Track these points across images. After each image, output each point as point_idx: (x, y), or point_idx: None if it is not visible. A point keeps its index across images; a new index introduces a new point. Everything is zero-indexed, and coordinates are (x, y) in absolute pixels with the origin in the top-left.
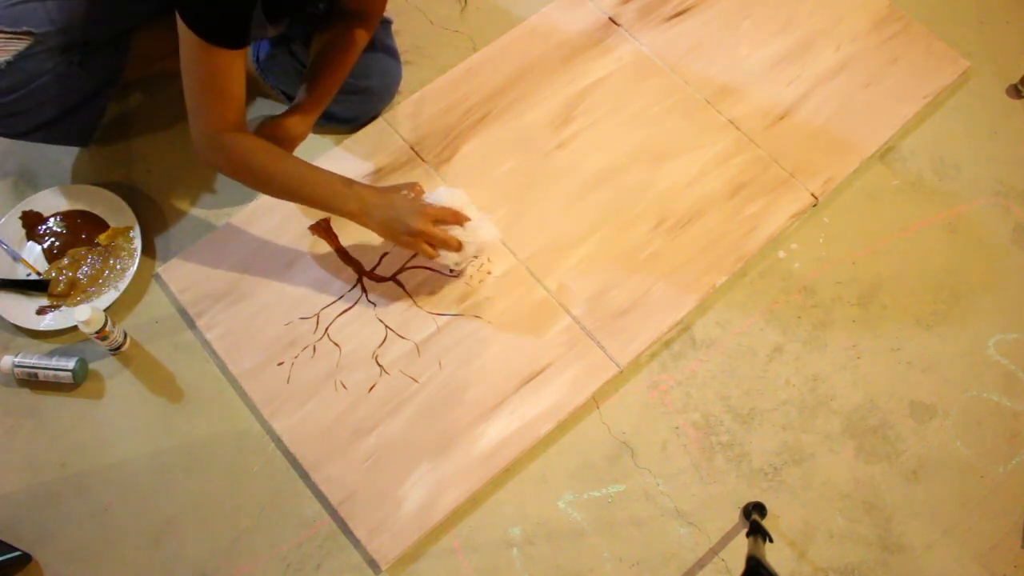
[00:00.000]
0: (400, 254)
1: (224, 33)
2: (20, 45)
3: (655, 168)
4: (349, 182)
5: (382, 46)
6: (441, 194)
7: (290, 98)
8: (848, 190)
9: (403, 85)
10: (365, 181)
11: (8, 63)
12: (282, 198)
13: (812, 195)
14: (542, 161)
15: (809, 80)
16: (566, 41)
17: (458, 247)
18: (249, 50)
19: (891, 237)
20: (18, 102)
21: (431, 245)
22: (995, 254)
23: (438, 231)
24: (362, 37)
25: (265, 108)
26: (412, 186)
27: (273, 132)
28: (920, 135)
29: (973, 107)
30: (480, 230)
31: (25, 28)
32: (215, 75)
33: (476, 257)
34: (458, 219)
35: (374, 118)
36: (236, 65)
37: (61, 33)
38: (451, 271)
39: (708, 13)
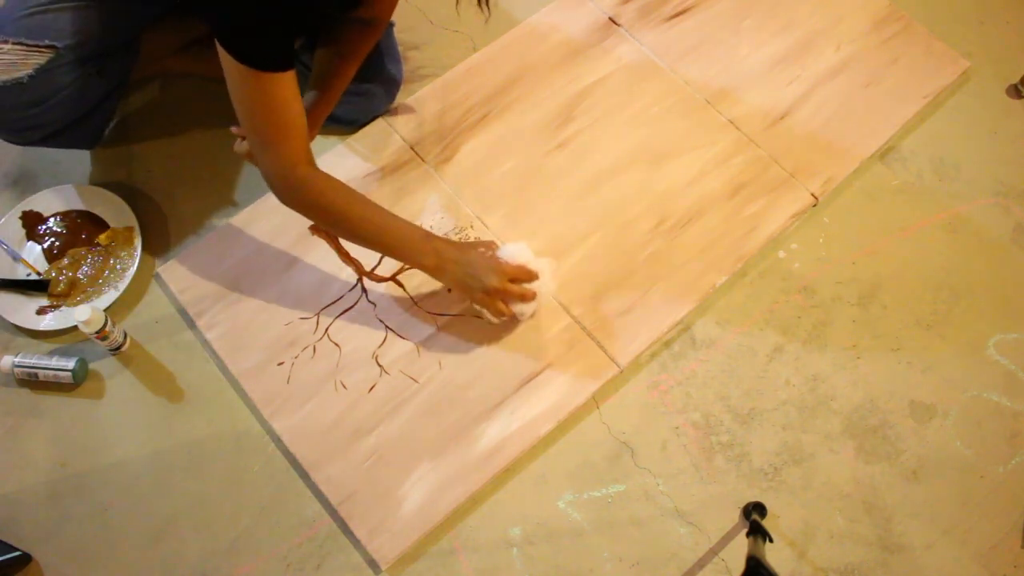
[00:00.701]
0: None
1: (272, 57)
2: (41, 59)
3: (655, 168)
4: (428, 236)
5: (383, 48)
6: (510, 250)
7: None
8: (848, 190)
9: (403, 85)
10: (365, 181)
11: (30, 77)
12: (356, 243)
13: (812, 195)
14: (542, 161)
15: (809, 80)
16: (566, 41)
17: (534, 298)
18: None
19: (891, 237)
20: (38, 116)
21: (504, 302)
22: (995, 254)
23: (515, 288)
24: (368, 44)
25: None
26: (489, 244)
27: None
28: (920, 135)
29: (973, 107)
30: (544, 284)
31: (47, 42)
32: (274, 103)
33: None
34: (531, 276)
35: (374, 119)
36: (292, 87)
37: (81, 45)
38: (502, 318)
39: (708, 13)
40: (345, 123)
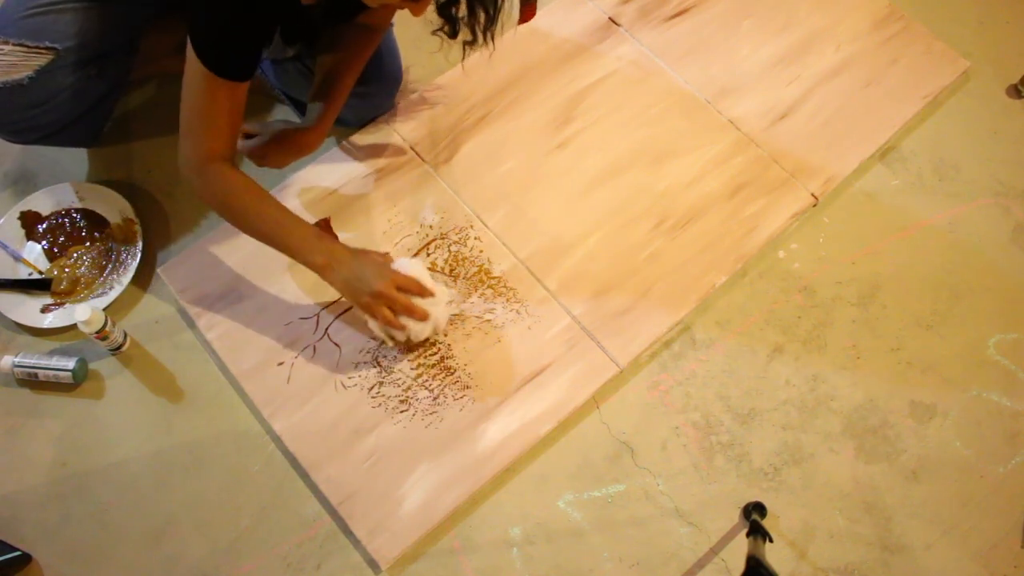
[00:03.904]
0: (401, 254)
1: (231, 66)
2: (42, 60)
3: (655, 168)
4: (321, 235)
5: (383, 47)
6: (403, 263)
7: (293, 101)
8: (848, 190)
9: (403, 85)
10: (365, 181)
11: (31, 79)
12: (254, 237)
13: (812, 195)
14: (542, 161)
15: (809, 80)
16: (566, 41)
17: (423, 316)
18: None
19: (891, 237)
20: (37, 116)
21: (393, 311)
22: (995, 254)
23: (401, 297)
24: (369, 48)
25: (279, 112)
26: (384, 254)
27: (290, 146)
28: (920, 135)
29: (973, 107)
30: (439, 306)
31: (48, 43)
32: (213, 104)
33: (434, 333)
34: (423, 291)
35: (375, 118)
36: (236, 97)
37: (82, 47)
38: (395, 342)
39: (708, 13)
40: (347, 123)
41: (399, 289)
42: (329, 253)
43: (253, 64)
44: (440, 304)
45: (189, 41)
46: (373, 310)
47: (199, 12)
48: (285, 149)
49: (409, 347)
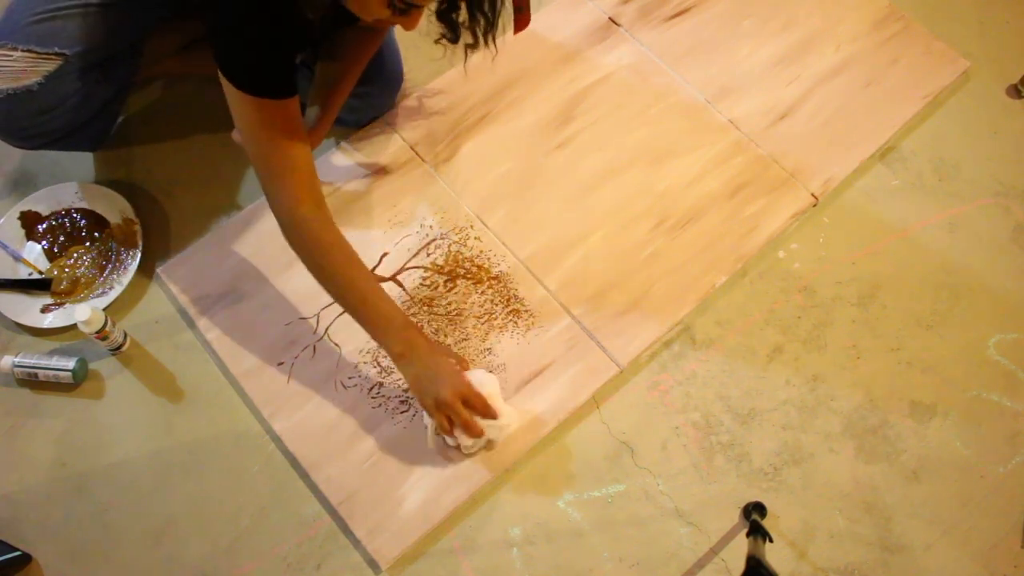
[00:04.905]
0: (400, 254)
1: (272, 82)
2: (51, 66)
3: (655, 168)
4: (408, 324)
5: (383, 48)
6: (478, 376)
7: None
8: (848, 190)
9: (403, 85)
10: (365, 181)
11: (40, 85)
12: (336, 301)
13: (812, 195)
14: (542, 161)
15: (809, 80)
16: (566, 41)
17: (479, 434)
18: None
19: (891, 237)
20: (45, 123)
21: (449, 420)
22: (995, 254)
23: (464, 412)
24: (370, 50)
25: None
26: (462, 359)
27: None
28: (920, 135)
29: (973, 107)
30: (502, 428)
31: (56, 49)
32: (275, 131)
33: (485, 447)
34: (487, 413)
35: (375, 118)
36: (290, 114)
37: (89, 52)
38: (442, 444)
39: (708, 13)
40: (347, 124)
41: (464, 402)
42: (408, 344)
43: (291, 76)
44: (498, 426)
45: (224, 78)
46: (433, 415)
47: (222, 38)
48: None
49: (464, 454)
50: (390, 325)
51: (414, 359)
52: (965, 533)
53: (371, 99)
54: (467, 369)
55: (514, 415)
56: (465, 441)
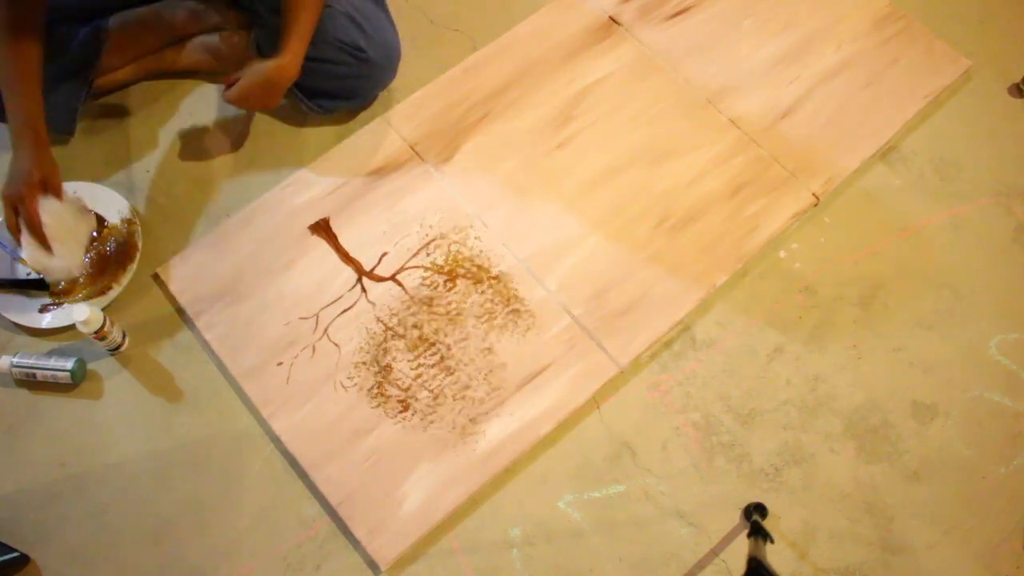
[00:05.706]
0: (401, 254)
1: None
2: None
3: (655, 168)
4: (27, 127)
5: (372, 17)
6: (50, 204)
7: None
8: (849, 190)
9: (403, 85)
10: (365, 180)
11: None
12: None
13: (813, 195)
14: (542, 161)
15: (810, 80)
16: (566, 41)
17: (14, 237)
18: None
19: (892, 237)
20: None
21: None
22: (996, 254)
23: (9, 213)
24: None
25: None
26: (53, 185)
27: (269, 79)
28: (921, 135)
29: (974, 107)
30: (48, 263)
31: None
32: None
33: (51, 284)
34: (31, 230)
35: (374, 98)
36: None
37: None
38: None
39: (708, 12)
40: (344, 100)
41: (15, 210)
42: (18, 137)
43: None
44: (44, 259)
45: None
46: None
47: None
48: (265, 85)
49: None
50: (14, 122)
51: (15, 153)
52: (966, 533)
53: (371, 70)
54: (59, 197)
55: (75, 261)
56: (41, 260)
